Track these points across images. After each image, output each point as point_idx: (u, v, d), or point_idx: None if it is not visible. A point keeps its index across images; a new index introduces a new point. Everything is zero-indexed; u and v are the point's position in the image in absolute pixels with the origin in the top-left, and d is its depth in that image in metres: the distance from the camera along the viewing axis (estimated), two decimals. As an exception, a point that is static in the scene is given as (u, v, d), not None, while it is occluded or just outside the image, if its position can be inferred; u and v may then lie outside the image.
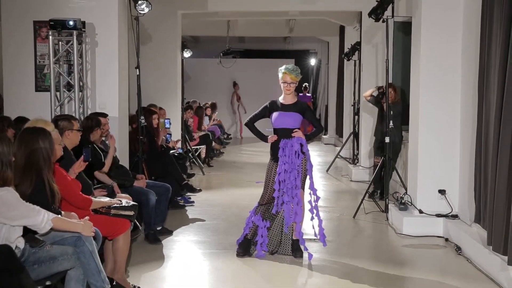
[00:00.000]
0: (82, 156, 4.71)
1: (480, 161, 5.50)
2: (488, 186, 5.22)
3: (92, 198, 4.58)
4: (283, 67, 5.64)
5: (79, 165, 4.68)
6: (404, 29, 7.97)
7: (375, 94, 8.41)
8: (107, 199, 4.84)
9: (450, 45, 6.32)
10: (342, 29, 14.36)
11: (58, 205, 4.05)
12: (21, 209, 3.56)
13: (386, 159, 7.29)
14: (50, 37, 6.70)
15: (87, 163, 4.76)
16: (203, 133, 12.52)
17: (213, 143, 12.99)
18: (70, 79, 6.89)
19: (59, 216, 3.84)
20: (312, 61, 20.45)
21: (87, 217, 4.11)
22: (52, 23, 6.59)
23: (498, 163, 4.85)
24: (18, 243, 3.60)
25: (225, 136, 15.60)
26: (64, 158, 4.60)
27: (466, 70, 6.14)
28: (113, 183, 5.66)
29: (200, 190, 8.74)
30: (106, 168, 5.75)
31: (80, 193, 4.45)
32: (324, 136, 17.50)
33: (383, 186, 7.61)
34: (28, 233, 3.72)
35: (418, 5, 6.55)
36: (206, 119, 13.73)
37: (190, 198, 8.22)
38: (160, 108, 9.52)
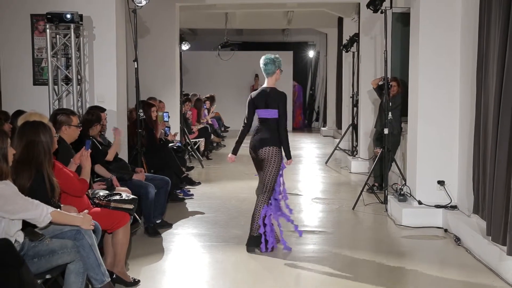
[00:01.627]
0: (84, 147, 4.65)
1: (479, 152, 5.49)
2: (487, 176, 5.22)
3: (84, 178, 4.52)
4: (275, 56, 5.54)
5: (82, 155, 4.57)
6: (403, 20, 7.94)
7: (380, 83, 8.35)
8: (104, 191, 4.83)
9: (448, 35, 6.30)
10: (340, 20, 14.32)
11: (57, 199, 4.05)
12: (19, 202, 3.55)
13: (385, 151, 7.29)
14: (48, 30, 6.67)
15: (89, 151, 4.67)
16: (202, 126, 12.51)
17: (212, 136, 12.98)
18: (68, 72, 6.87)
19: (58, 210, 3.84)
20: (311, 53, 20.39)
21: (86, 211, 4.10)
22: (49, 16, 6.57)
23: (497, 154, 4.84)
24: (17, 237, 3.60)
25: (223, 128, 15.56)
26: (61, 151, 4.58)
27: (465, 60, 6.12)
28: (112, 176, 5.66)
29: (199, 183, 8.76)
30: (110, 156, 5.77)
31: (77, 180, 4.41)
32: (323, 128, 17.47)
33: (382, 178, 7.61)
34: (28, 227, 3.72)
35: (416, -4, 6.53)
36: (205, 112, 13.71)
37: (189, 191, 8.22)
38: (160, 101, 9.51)
